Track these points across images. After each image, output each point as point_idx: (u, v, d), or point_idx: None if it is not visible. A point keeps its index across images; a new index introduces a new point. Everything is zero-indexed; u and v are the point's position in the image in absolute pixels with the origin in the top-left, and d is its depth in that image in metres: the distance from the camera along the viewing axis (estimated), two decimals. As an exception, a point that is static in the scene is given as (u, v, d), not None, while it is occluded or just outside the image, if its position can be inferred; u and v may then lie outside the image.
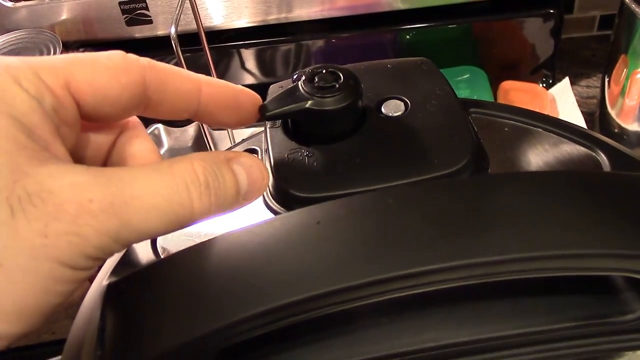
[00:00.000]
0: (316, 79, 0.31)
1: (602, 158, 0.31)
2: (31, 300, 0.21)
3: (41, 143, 0.23)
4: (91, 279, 0.33)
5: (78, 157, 0.28)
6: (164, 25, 0.75)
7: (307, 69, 0.32)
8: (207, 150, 0.73)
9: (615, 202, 0.24)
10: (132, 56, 0.27)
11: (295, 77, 0.32)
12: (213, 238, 0.24)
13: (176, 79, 0.28)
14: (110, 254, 0.23)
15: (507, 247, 0.22)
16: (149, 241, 0.32)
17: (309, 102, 0.30)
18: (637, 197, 0.24)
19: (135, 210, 0.22)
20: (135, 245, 0.32)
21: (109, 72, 0.25)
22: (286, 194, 0.30)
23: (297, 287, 0.21)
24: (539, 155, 0.32)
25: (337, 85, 0.30)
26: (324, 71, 0.31)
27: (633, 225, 0.23)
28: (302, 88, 0.30)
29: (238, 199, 0.26)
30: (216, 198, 0.25)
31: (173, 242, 0.32)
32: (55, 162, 0.22)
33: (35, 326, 0.22)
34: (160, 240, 0.32)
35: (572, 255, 0.22)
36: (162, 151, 0.82)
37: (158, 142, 0.82)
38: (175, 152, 0.82)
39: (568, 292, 0.26)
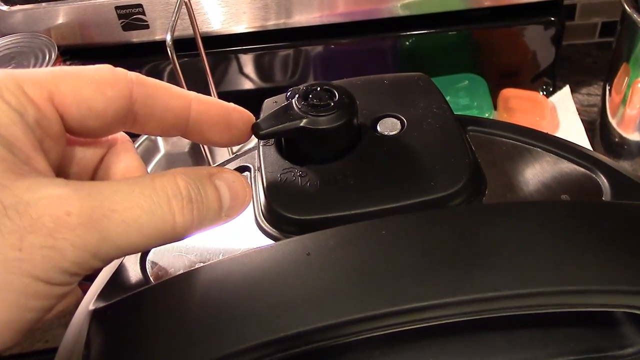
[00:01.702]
0: (310, 97, 0.30)
1: (602, 180, 0.30)
2: (4, 316, 0.21)
3: (21, 156, 0.22)
4: (86, 289, 0.32)
5: (64, 172, 0.28)
6: (161, 30, 0.74)
7: (301, 86, 0.31)
8: (204, 156, 0.72)
9: (614, 235, 0.23)
10: (120, 70, 0.26)
11: (289, 94, 0.32)
12: (200, 267, 0.24)
13: (165, 94, 0.27)
14: (89, 270, 0.23)
15: (503, 283, 0.21)
16: (137, 260, 0.31)
17: (303, 120, 0.29)
18: (637, 228, 0.24)
19: (115, 224, 0.22)
20: (124, 264, 0.31)
21: (94, 85, 0.25)
22: (278, 215, 0.29)
23: (285, 323, 0.21)
24: (537, 177, 0.31)
25: (332, 104, 0.30)
26: (318, 88, 0.31)
27: (633, 259, 0.22)
28: (296, 106, 0.30)
29: (220, 214, 0.26)
30: (198, 213, 0.24)
31: (164, 258, 0.31)
32: (35, 175, 0.22)
33: (10, 342, 0.22)
34: (151, 255, 0.31)
35: (570, 291, 0.21)
36: (159, 157, 0.82)
37: (155, 147, 0.81)
38: (172, 158, 0.81)
39: (566, 324, 0.26)
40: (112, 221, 0.22)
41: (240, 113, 0.30)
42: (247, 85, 0.83)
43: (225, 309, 0.22)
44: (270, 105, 0.34)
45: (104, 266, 0.24)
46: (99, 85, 0.25)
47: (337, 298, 0.21)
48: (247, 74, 0.82)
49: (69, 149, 0.28)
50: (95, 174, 0.29)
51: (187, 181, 0.24)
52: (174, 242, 0.24)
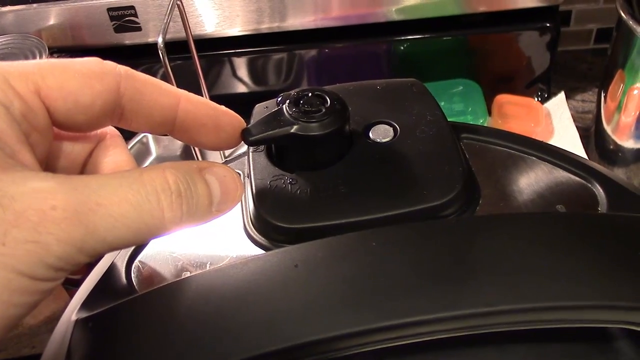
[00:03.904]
0: (302, 103, 0.29)
1: (598, 190, 0.30)
2: None
3: (7, 150, 0.22)
4: (73, 294, 0.31)
5: (52, 167, 0.28)
6: (154, 33, 0.74)
7: (292, 92, 0.30)
8: (195, 158, 0.71)
9: (611, 249, 0.23)
10: (108, 63, 0.26)
11: (279, 99, 0.31)
12: (184, 279, 0.23)
13: (154, 90, 0.27)
14: (76, 265, 0.22)
15: (497, 298, 0.20)
16: (123, 268, 0.30)
17: (294, 127, 0.29)
18: (635, 241, 0.23)
19: (102, 218, 0.21)
20: (110, 272, 0.31)
21: (81, 78, 0.25)
22: (267, 223, 0.28)
23: (270, 338, 0.20)
24: (532, 186, 0.30)
25: (324, 110, 0.29)
26: (309, 94, 0.30)
27: (630, 274, 0.22)
28: (287, 112, 0.29)
29: (210, 209, 0.25)
30: (188, 207, 0.24)
31: (151, 264, 0.30)
32: (20, 169, 0.22)
33: None
34: (138, 261, 0.31)
35: (566, 307, 0.21)
36: (150, 159, 0.81)
37: (146, 150, 0.81)
38: (163, 161, 0.80)
39: (561, 339, 0.25)
40: (99, 215, 0.21)
41: (230, 117, 0.29)
42: (241, 88, 0.82)
43: (209, 324, 0.21)
44: (261, 110, 0.33)
45: (91, 261, 0.23)
46: (87, 78, 0.25)
47: (325, 312, 0.21)
48: (240, 77, 0.81)
49: (56, 143, 0.27)
50: (84, 168, 0.29)
51: (177, 175, 0.24)
52: (163, 236, 0.24)
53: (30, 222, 0.20)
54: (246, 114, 0.33)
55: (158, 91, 0.27)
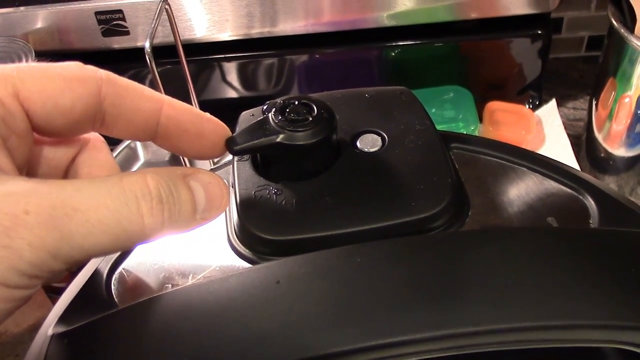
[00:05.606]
0: (288, 111, 0.29)
1: (590, 202, 0.29)
2: None
3: None
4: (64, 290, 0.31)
5: (33, 172, 0.27)
6: (142, 37, 0.73)
7: (278, 100, 0.30)
8: (183, 165, 0.70)
9: (604, 266, 0.22)
10: (89, 67, 0.25)
11: (265, 107, 0.30)
12: (163, 294, 0.22)
13: (135, 95, 0.26)
14: (51, 273, 0.21)
15: (486, 317, 0.20)
16: (104, 280, 0.30)
17: (280, 136, 0.28)
18: (628, 258, 0.22)
19: (78, 224, 0.21)
20: (90, 283, 0.30)
21: (61, 82, 0.24)
22: (251, 235, 0.28)
23: (250, 356, 0.19)
24: (523, 197, 0.30)
25: (310, 119, 0.28)
26: (296, 102, 0.29)
27: (624, 292, 0.21)
28: (273, 120, 0.28)
29: (194, 217, 0.24)
30: (170, 214, 0.23)
31: (132, 276, 0.30)
32: None
33: None
34: (118, 272, 0.30)
35: (556, 327, 0.20)
36: (138, 164, 0.80)
37: (134, 155, 0.80)
38: (152, 166, 0.79)
39: (551, 357, 0.24)
40: (75, 221, 0.21)
41: (214, 124, 0.28)
42: (230, 94, 0.82)
43: (188, 342, 0.20)
44: (247, 118, 0.32)
45: (69, 269, 0.22)
46: (67, 81, 0.24)
47: (307, 331, 0.20)
48: (230, 82, 0.80)
49: (37, 148, 0.27)
50: (66, 174, 0.28)
51: (158, 181, 0.23)
52: (144, 243, 0.23)
53: (2, 227, 0.20)
54: (236, 119, 0.32)
55: (140, 96, 0.26)
